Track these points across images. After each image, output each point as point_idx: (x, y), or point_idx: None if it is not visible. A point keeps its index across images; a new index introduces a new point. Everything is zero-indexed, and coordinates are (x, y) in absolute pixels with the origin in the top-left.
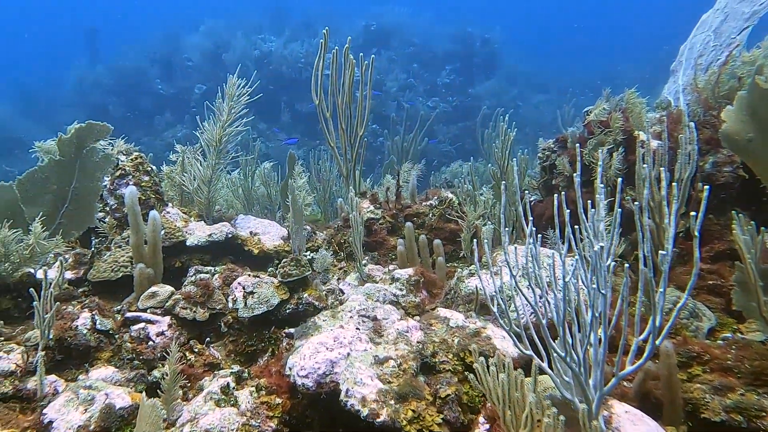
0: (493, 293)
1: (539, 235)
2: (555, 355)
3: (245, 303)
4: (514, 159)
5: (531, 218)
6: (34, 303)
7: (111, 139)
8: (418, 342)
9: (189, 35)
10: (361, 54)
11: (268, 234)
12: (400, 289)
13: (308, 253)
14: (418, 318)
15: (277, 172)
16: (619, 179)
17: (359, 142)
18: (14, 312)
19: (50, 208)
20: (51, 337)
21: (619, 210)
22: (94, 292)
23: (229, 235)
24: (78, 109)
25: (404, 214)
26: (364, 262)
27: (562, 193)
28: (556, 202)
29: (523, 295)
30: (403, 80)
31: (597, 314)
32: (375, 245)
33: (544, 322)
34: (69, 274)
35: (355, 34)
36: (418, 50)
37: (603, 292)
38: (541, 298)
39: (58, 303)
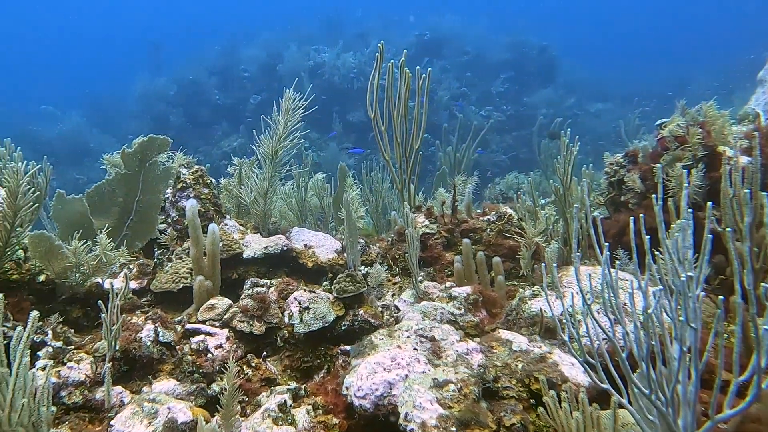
0: (561, 316)
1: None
2: (637, 390)
3: (301, 318)
4: (583, 181)
5: (606, 244)
6: (102, 315)
7: (170, 152)
8: (479, 365)
9: (246, 47)
10: (418, 67)
11: (323, 247)
12: (458, 308)
13: (363, 267)
14: (478, 340)
15: (330, 184)
16: (709, 202)
17: (414, 155)
18: (83, 321)
19: (116, 219)
20: (117, 348)
21: (710, 236)
22: (157, 302)
23: (285, 248)
24: (142, 120)
25: (460, 229)
26: (419, 278)
27: (638, 214)
28: (633, 226)
29: (599, 325)
30: (455, 89)
31: (685, 348)
32: (430, 261)
33: (624, 355)
34: (133, 284)
35: (407, 44)
36: (472, 59)
37: (693, 325)
38: (617, 325)
39: (124, 315)
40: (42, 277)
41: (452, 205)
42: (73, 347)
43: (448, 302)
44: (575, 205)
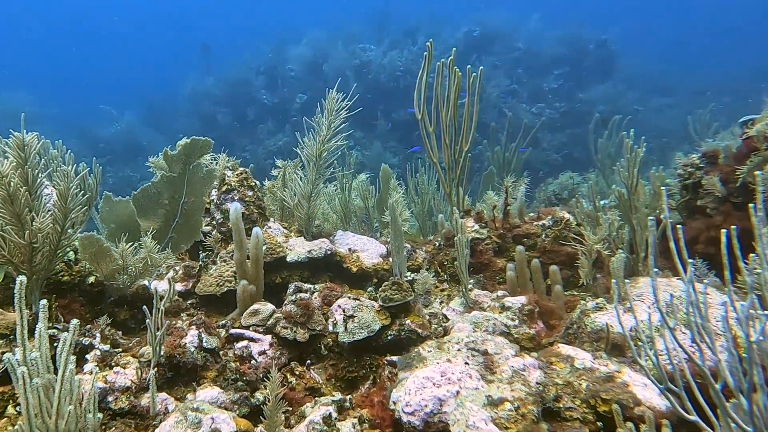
0: (632, 332)
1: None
2: (735, 426)
3: (345, 327)
4: (662, 188)
5: (691, 261)
6: (147, 321)
7: (213, 154)
8: (537, 383)
9: (292, 47)
10: (469, 66)
11: (367, 251)
12: (512, 319)
13: (409, 273)
14: (535, 354)
15: (375, 186)
16: None
17: (464, 157)
18: (131, 323)
19: (162, 222)
20: (162, 353)
21: None
22: (201, 305)
23: (329, 252)
24: (191, 119)
25: (513, 234)
26: (469, 286)
27: (719, 221)
28: (724, 239)
29: (685, 351)
30: (505, 86)
31: None
32: (480, 267)
33: (718, 387)
34: (179, 286)
35: (455, 41)
36: (523, 55)
37: None
38: (696, 345)
39: (168, 321)
40: (92, 279)
41: (504, 208)
42: (120, 350)
43: (500, 312)
44: (650, 216)
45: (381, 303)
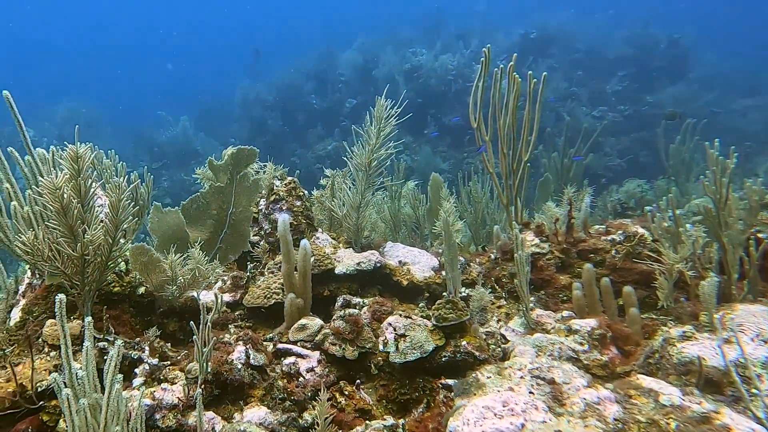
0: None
1: None
2: None
3: (397, 347)
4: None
5: None
6: (194, 337)
7: (261, 162)
8: (615, 419)
9: (343, 51)
10: (530, 72)
11: (418, 264)
12: (581, 344)
13: (463, 289)
14: (611, 386)
15: (425, 194)
16: None
17: (523, 167)
18: (179, 334)
19: (211, 232)
20: (209, 370)
21: None
22: (249, 316)
23: (378, 265)
24: (243, 123)
25: (577, 249)
26: (531, 304)
27: None
28: None
29: None
30: (564, 89)
31: None
32: (541, 284)
33: None
34: (227, 297)
35: (510, 44)
36: (584, 56)
37: None
38: None
39: (215, 337)
40: (142, 290)
41: (568, 222)
42: (168, 363)
43: (567, 336)
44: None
45: (435, 322)
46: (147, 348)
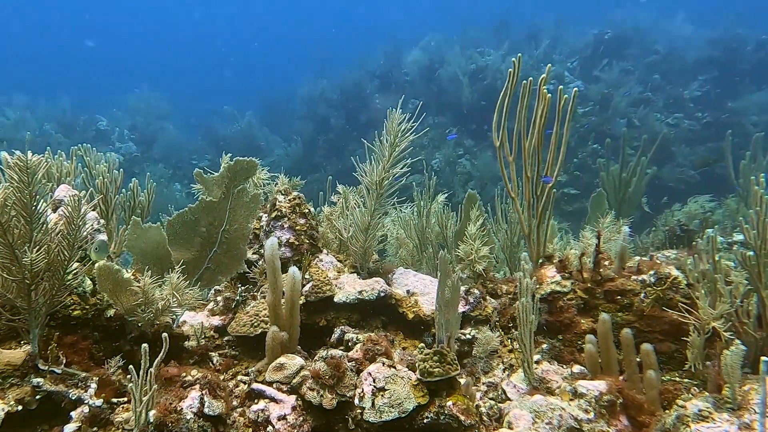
0: None
1: None
2: None
3: (373, 402)
4: None
5: None
6: (130, 385)
7: (273, 174)
8: None
9: (409, 50)
10: (561, 87)
11: (428, 295)
12: (586, 411)
13: (469, 330)
14: None
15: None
16: None
17: (547, 193)
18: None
19: (198, 251)
20: (152, 421)
21: None
22: (237, 344)
23: (383, 294)
24: (305, 121)
25: (603, 288)
26: (538, 357)
27: None
28: None
29: None
30: (637, 94)
31: None
32: (559, 327)
33: None
34: (216, 320)
35: (583, 45)
36: (662, 59)
37: None
38: None
39: (155, 387)
40: (111, 312)
41: (595, 258)
42: (125, 400)
43: (571, 400)
44: None
45: (419, 376)
46: (94, 385)
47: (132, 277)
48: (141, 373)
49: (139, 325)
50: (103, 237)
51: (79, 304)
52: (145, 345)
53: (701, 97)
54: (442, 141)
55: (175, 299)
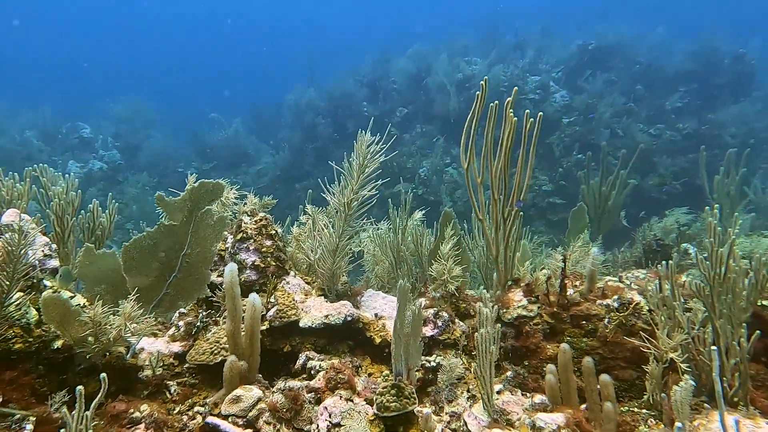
0: None
1: None
2: None
3: None
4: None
5: None
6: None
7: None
8: None
9: (397, 59)
10: (527, 111)
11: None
12: None
13: (434, 356)
14: None
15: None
16: None
17: (513, 217)
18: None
19: (156, 277)
20: None
21: None
22: (197, 371)
23: (349, 318)
24: (293, 130)
25: (570, 313)
26: (500, 386)
27: None
28: None
29: None
30: (620, 105)
31: None
32: (525, 353)
33: None
34: (176, 347)
35: (567, 55)
36: (644, 70)
37: None
38: None
39: (91, 427)
40: (58, 343)
41: (561, 282)
42: None
43: None
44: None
45: (375, 411)
46: (30, 426)
47: (83, 305)
48: (77, 414)
49: (88, 357)
50: (55, 263)
51: (22, 337)
52: (80, 387)
53: (682, 108)
54: (430, 149)
55: (129, 328)
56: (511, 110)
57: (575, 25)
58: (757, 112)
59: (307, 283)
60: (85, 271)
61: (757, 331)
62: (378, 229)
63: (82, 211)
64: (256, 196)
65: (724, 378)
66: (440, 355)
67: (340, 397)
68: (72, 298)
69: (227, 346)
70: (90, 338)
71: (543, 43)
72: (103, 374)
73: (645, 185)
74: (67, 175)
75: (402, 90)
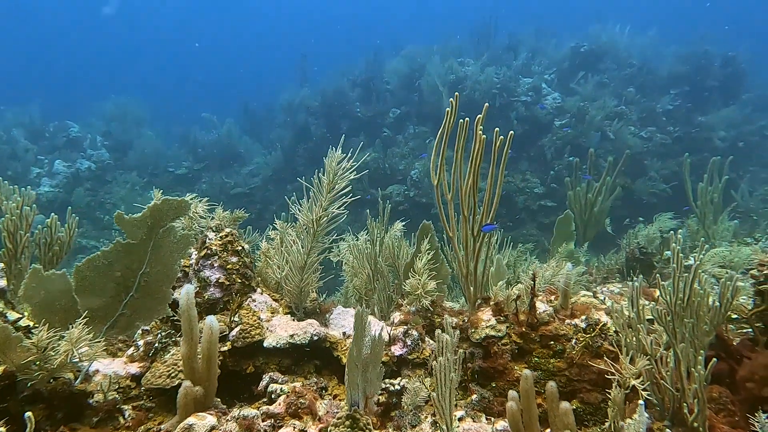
0: None
1: None
2: None
3: None
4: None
5: None
6: None
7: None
8: None
9: (390, 60)
10: (497, 129)
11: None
12: None
13: (399, 379)
14: None
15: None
16: None
17: (482, 237)
18: (46, 425)
19: (111, 297)
20: None
21: None
22: (154, 395)
23: (315, 338)
24: (285, 129)
25: (538, 333)
26: (462, 413)
27: None
28: None
29: None
30: (612, 108)
31: None
32: (492, 374)
33: None
34: (134, 368)
35: (560, 57)
36: (636, 72)
37: None
38: None
39: None
40: None
41: (530, 301)
42: None
43: None
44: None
45: None
46: None
47: (30, 328)
48: None
49: (29, 384)
50: (2, 283)
51: None
52: (29, 414)
53: (673, 111)
54: (423, 151)
55: (77, 353)
56: (480, 128)
57: (568, 27)
58: (747, 115)
59: (275, 300)
60: (31, 294)
61: (714, 359)
62: (356, 240)
63: (39, 226)
64: (245, 198)
65: (685, 404)
66: (408, 375)
67: (294, 427)
68: (19, 319)
69: None
70: (34, 365)
71: (536, 45)
72: (29, 413)
73: (635, 188)
74: (23, 189)
75: (395, 91)
